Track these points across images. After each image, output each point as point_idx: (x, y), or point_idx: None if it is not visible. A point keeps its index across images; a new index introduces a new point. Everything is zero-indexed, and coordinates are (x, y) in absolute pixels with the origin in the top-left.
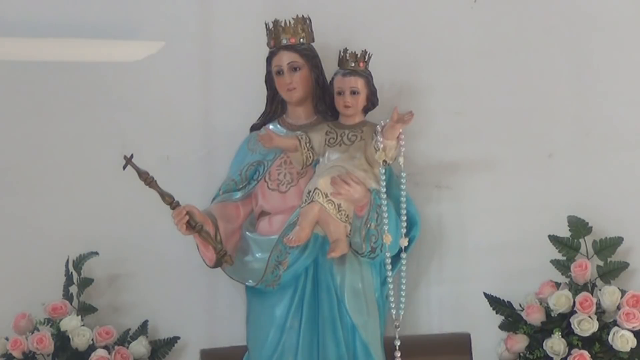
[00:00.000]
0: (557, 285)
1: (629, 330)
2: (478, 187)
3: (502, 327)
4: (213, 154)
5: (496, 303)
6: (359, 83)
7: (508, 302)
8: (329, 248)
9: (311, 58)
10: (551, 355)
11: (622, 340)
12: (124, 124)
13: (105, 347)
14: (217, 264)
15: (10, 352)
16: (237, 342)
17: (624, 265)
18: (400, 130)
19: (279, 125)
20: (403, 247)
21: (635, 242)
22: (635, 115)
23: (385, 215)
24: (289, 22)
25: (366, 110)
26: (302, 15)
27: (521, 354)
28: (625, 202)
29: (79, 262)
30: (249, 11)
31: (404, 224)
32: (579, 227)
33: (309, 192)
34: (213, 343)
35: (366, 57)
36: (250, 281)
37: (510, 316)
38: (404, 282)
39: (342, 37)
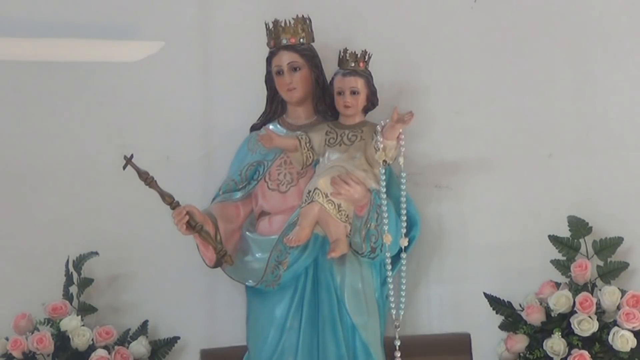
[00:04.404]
0: (557, 285)
1: (629, 330)
2: (478, 187)
3: (502, 327)
4: (213, 154)
5: (496, 303)
6: (359, 83)
7: (508, 302)
8: (329, 248)
9: (311, 58)
10: (551, 355)
11: (622, 340)
12: (124, 124)
13: (105, 347)
14: (217, 264)
15: (10, 352)
16: (237, 342)
17: (624, 265)
18: (400, 130)
19: (279, 125)
20: (403, 247)
21: (635, 242)
22: (635, 115)
23: (385, 215)
24: (289, 22)
25: (366, 110)
26: (302, 15)
27: (521, 354)
28: (625, 202)
29: (79, 262)
30: (249, 11)
31: (404, 224)
32: (579, 227)
33: (309, 192)
34: (213, 343)
35: (366, 57)
36: (250, 281)
37: (510, 316)
38: (404, 282)
39: (342, 37)
